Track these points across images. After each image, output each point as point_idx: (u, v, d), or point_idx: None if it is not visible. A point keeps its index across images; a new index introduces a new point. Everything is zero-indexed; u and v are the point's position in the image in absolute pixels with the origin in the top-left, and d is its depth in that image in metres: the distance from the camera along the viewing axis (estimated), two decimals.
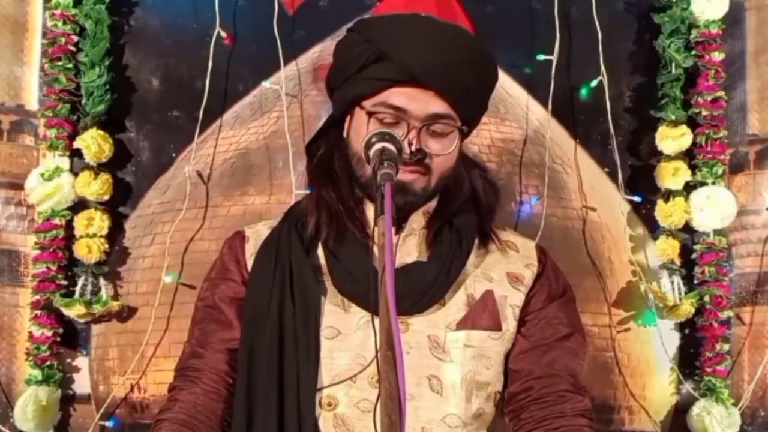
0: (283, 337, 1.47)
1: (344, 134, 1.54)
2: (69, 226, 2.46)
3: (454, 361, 1.47)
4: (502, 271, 1.55)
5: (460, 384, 1.46)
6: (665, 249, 2.52)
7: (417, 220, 1.52)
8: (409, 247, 1.50)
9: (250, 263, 1.55)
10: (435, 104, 1.43)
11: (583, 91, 2.58)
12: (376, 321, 1.44)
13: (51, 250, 2.43)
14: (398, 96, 1.43)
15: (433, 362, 1.46)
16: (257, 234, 1.59)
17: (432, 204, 1.53)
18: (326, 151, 1.56)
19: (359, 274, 1.47)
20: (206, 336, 1.55)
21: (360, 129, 1.47)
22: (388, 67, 1.44)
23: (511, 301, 1.53)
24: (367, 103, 1.46)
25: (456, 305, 1.49)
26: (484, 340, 1.49)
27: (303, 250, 1.51)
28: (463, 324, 1.48)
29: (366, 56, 1.45)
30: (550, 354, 1.52)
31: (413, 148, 1.42)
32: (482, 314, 1.49)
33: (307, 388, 1.44)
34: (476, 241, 1.54)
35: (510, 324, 1.52)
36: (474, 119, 1.54)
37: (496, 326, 1.50)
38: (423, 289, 1.45)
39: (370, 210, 1.53)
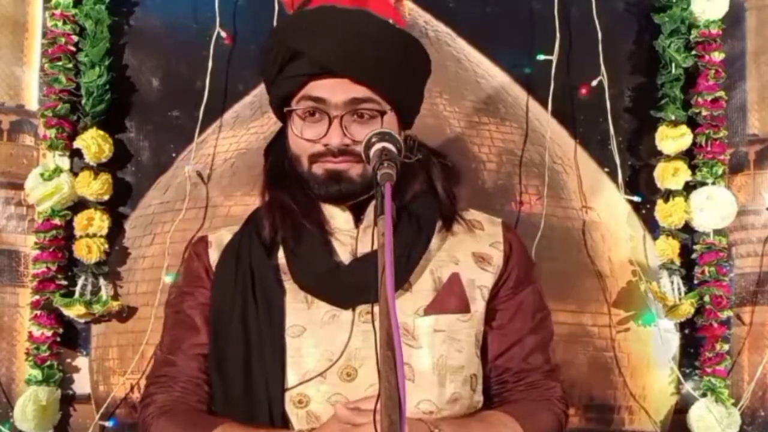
0: (249, 339, 1.49)
1: None
2: (69, 226, 2.45)
3: (423, 346, 1.48)
4: (467, 252, 1.56)
5: (432, 369, 1.48)
6: (665, 249, 2.51)
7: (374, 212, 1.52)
8: (368, 238, 1.48)
9: (215, 269, 1.58)
10: (353, 90, 1.46)
11: (584, 91, 2.58)
12: (344, 313, 1.47)
13: (51, 250, 2.43)
14: (316, 88, 1.47)
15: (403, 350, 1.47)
16: (219, 240, 1.61)
17: None
18: (278, 156, 1.59)
19: (320, 269, 1.49)
20: (177, 342, 1.58)
21: (291, 130, 1.52)
22: (302, 62, 1.48)
23: (480, 282, 1.55)
24: (292, 102, 1.51)
25: (423, 290, 1.50)
26: (453, 323, 1.51)
27: (264, 252, 1.53)
28: (431, 309, 1.49)
29: (282, 56, 1.50)
30: (524, 349, 1.57)
31: (336, 142, 1.45)
32: (450, 297, 1.51)
33: (276, 388, 1.46)
34: (439, 225, 1.56)
35: (479, 305, 1.54)
36: (404, 98, 1.54)
37: (465, 308, 1.52)
38: None
39: (325, 208, 1.55)
